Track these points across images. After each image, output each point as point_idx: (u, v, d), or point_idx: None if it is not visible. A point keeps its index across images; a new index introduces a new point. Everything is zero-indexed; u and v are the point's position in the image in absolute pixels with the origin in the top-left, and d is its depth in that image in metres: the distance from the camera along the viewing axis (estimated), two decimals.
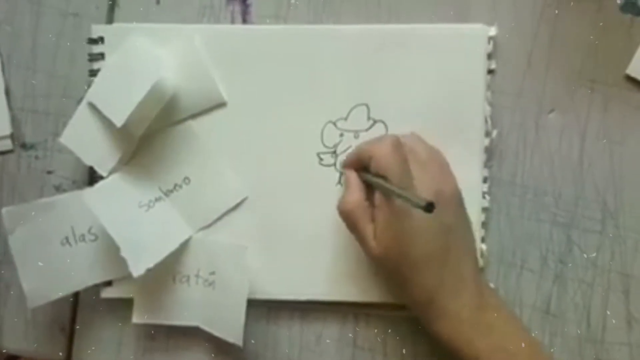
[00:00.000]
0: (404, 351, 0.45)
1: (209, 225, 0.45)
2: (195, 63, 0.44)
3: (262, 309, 0.45)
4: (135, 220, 0.44)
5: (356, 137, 0.44)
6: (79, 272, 0.44)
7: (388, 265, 0.39)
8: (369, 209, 0.39)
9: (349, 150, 0.43)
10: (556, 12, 0.44)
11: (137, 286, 0.44)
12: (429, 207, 0.33)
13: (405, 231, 0.38)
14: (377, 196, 0.39)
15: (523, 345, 0.38)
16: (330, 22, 0.46)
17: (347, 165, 0.42)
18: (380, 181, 0.38)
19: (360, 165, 0.41)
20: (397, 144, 0.39)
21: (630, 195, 0.44)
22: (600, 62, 0.44)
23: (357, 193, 0.40)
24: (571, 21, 0.44)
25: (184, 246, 0.44)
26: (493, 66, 0.44)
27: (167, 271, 0.44)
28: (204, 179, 0.45)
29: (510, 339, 0.38)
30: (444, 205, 0.38)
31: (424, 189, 0.38)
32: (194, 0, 0.47)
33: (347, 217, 0.40)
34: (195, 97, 0.45)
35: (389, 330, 0.45)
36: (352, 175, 0.41)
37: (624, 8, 0.44)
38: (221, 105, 0.45)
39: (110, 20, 0.47)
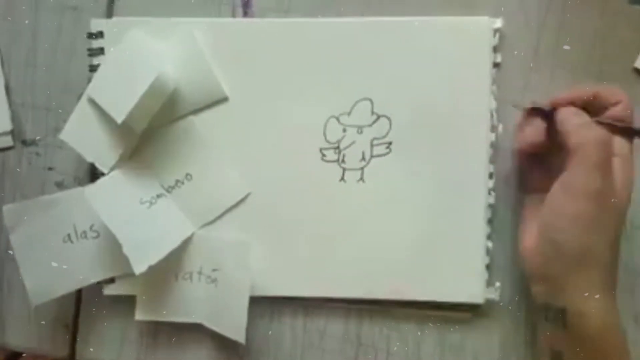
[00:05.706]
0: (407, 349, 0.44)
1: (212, 222, 0.45)
2: (196, 57, 0.44)
3: (265, 306, 0.45)
4: (137, 217, 0.43)
5: (359, 132, 0.44)
6: (81, 269, 0.44)
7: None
8: None
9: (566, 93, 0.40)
10: (563, 4, 0.44)
11: (139, 283, 0.44)
12: None
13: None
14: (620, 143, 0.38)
15: None
16: (332, 15, 0.45)
17: (562, 102, 0.39)
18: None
19: (581, 105, 0.38)
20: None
21: (637, 191, 0.43)
22: (608, 55, 0.43)
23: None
24: (578, 13, 0.44)
25: (186, 243, 0.44)
26: (499, 59, 0.43)
27: (170, 268, 0.44)
28: (206, 175, 0.45)
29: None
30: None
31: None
32: None
33: (606, 147, 0.37)
34: (197, 92, 0.44)
35: (393, 328, 0.44)
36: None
37: None
38: (223, 100, 0.44)
39: (109, 14, 0.47)
